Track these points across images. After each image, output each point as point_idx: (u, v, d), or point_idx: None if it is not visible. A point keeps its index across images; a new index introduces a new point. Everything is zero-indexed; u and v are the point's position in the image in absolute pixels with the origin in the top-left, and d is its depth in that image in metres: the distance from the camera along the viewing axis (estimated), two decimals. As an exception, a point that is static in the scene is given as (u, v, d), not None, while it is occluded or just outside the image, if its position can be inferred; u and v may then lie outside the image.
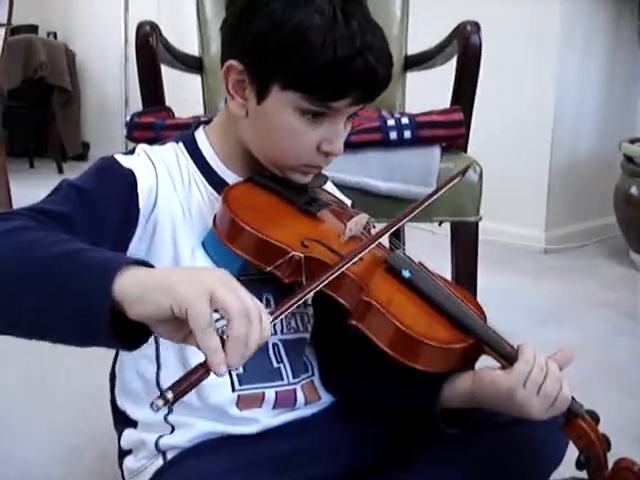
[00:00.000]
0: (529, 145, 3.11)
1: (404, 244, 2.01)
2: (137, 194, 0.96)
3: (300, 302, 0.82)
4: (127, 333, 0.72)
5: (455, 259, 1.62)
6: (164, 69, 2.00)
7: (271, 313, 0.75)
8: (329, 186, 1.17)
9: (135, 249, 0.98)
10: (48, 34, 5.30)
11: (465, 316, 0.96)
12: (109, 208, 0.92)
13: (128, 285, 0.70)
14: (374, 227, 1.07)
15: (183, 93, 2.29)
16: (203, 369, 0.67)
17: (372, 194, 1.48)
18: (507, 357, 0.93)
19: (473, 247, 1.63)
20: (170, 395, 0.65)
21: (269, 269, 0.94)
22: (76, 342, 0.75)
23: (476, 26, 1.62)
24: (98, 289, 0.69)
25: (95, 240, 0.87)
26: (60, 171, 4.92)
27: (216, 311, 0.69)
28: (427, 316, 0.95)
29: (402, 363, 0.91)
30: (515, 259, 3.00)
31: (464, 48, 1.62)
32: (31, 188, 3.85)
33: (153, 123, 1.48)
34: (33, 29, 5.14)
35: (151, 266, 0.74)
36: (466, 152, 1.69)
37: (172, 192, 1.01)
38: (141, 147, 1.04)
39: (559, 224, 3.19)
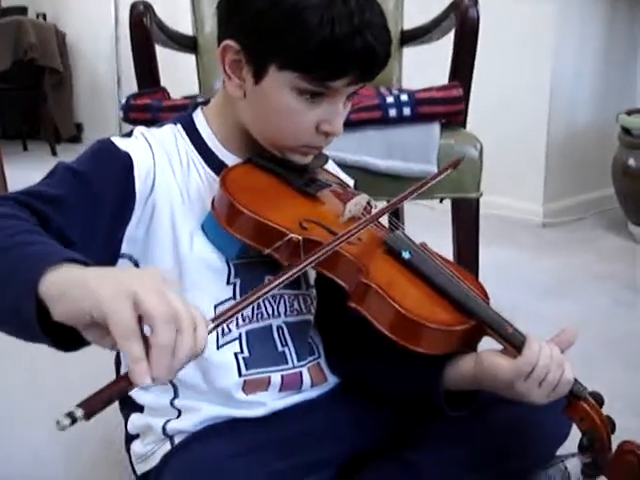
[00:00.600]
0: (526, 117, 3.09)
1: (403, 222, 2.01)
2: (134, 177, 0.95)
3: (263, 295, 0.76)
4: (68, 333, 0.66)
5: (456, 236, 1.61)
6: (158, 49, 1.98)
7: (213, 319, 0.68)
8: (331, 166, 1.16)
9: (133, 233, 0.97)
10: (37, 15, 5.25)
11: (466, 297, 0.95)
12: (105, 190, 0.91)
13: (53, 283, 0.65)
14: (375, 207, 1.06)
15: (178, 73, 2.27)
16: (125, 381, 0.60)
17: (372, 172, 1.46)
18: (509, 340, 0.92)
19: (474, 223, 1.62)
20: (80, 413, 0.56)
21: (267, 252, 0.93)
22: (21, 337, 0.71)
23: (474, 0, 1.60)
24: (26, 285, 0.65)
25: (90, 223, 0.87)
26: (54, 153, 4.90)
27: None
28: (427, 298, 0.94)
29: (403, 346, 0.90)
30: (513, 233, 2.99)
31: (462, 22, 1.60)
32: (25, 171, 3.82)
33: (149, 104, 1.46)
34: (22, 10, 5.10)
35: (87, 264, 0.69)
36: (465, 128, 1.68)
37: (170, 175, 1.00)
38: (138, 130, 1.03)
39: (557, 197, 3.18)
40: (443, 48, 1.83)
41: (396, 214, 1.85)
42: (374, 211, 1.03)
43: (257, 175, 1.02)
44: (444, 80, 1.68)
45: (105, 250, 0.93)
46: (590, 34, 3.20)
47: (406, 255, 0.96)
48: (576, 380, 0.93)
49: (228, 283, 1.00)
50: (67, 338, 0.66)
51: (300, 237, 0.92)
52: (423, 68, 2.05)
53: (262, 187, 1.01)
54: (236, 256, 0.99)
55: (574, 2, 3.09)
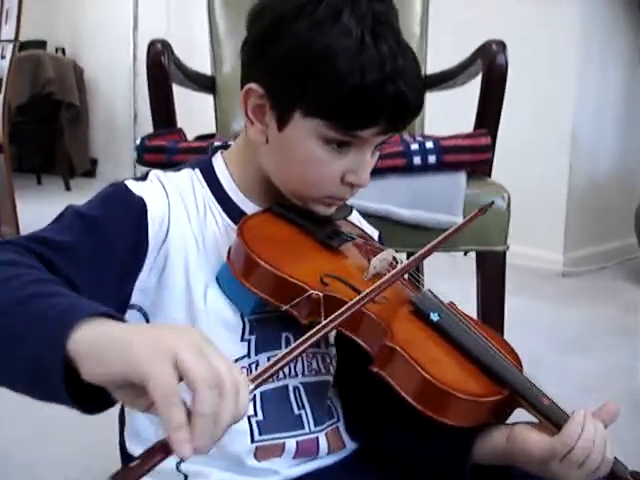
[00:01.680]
0: (547, 165, 3.05)
1: (423, 271, 1.94)
2: (147, 223, 0.90)
3: (294, 357, 0.70)
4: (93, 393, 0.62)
5: (481, 288, 1.54)
6: (175, 88, 1.94)
7: (252, 379, 0.63)
8: (355, 217, 1.11)
9: (145, 282, 0.92)
10: (56, 49, 5.32)
11: (499, 365, 0.88)
12: (115, 238, 0.86)
13: (82, 341, 0.60)
14: (400, 262, 1.00)
15: (195, 113, 2.24)
16: (162, 451, 0.56)
17: (395, 222, 1.40)
18: (545, 414, 0.85)
19: (500, 277, 1.55)
20: None
21: (285, 308, 0.87)
22: (34, 396, 0.66)
23: (502, 45, 1.55)
24: (51, 342, 0.61)
25: (98, 272, 0.83)
26: (67, 188, 4.91)
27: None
28: (457, 364, 0.88)
29: (429, 416, 0.83)
30: (532, 282, 2.92)
31: (489, 68, 1.55)
32: (38, 205, 3.84)
33: (164, 146, 1.42)
34: (41, 44, 5.16)
35: (121, 320, 0.64)
36: (490, 176, 1.62)
37: (185, 223, 0.95)
38: (154, 173, 0.99)
39: (577, 246, 3.13)
40: (467, 94, 1.78)
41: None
42: (400, 266, 0.96)
43: (277, 225, 0.97)
44: (468, 127, 1.64)
45: (113, 301, 0.87)
46: (611, 82, 3.18)
47: (435, 317, 0.90)
48: (616, 459, 0.86)
49: (242, 340, 0.94)
50: (90, 398, 0.62)
51: (321, 294, 0.86)
52: (446, 114, 2.01)
53: (282, 238, 0.96)
54: (251, 311, 0.94)
55: (595, 50, 3.07)
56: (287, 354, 0.68)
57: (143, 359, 0.57)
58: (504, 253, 1.53)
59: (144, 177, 0.98)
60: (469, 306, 1.77)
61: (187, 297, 0.93)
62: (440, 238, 1.04)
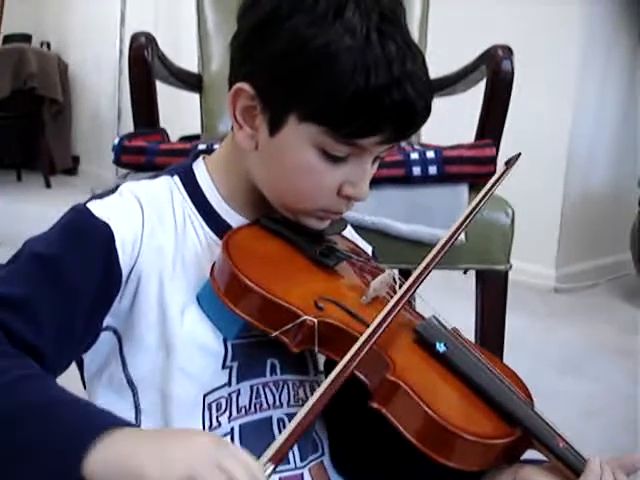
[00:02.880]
0: (542, 178, 2.98)
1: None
2: (116, 251, 0.81)
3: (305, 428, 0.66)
4: None
5: (480, 310, 1.44)
6: (160, 86, 1.84)
7: (271, 460, 0.62)
8: (348, 231, 1.01)
9: (116, 307, 0.83)
10: (42, 44, 5.23)
11: (511, 402, 0.79)
12: (81, 276, 0.77)
13: (98, 463, 0.57)
14: (402, 282, 0.90)
15: (182, 113, 2.14)
16: None
17: (391, 237, 1.30)
18: (559, 456, 0.77)
19: (501, 299, 1.45)
20: None
21: (274, 335, 0.78)
22: None
23: (508, 50, 1.46)
24: (65, 463, 0.58)
25: (65, 319, 0.74)
26: (48, 185, 4.80)
27: None
28: (465, 401, 0.79)
29: (432, 459, 0.74)
30: (524, 298, 2.82)
31: (494, 74, 1.45)
32: (18, 203, 3.73)
33: (144, 147, 1.31)
34: (26, 38, 5.06)
35: (129, 425, 0.63)
36: (491, 189, 1.52)
37: (161, 237, 0.86)
38: (126, 186, 0.88)
39: (570, 261, 3.06)
40: (467, 101, 1.69)
41: (408, 272, 1.68)
42: (402, 289, 0.86)
43: (266, 240, 0.88)
44: (467, 136, 1.54)
45: (83, 339, 0.80)
46: (609, 96, 3.12)
47: (441, 348, 0.81)
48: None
49: (224, 367, 0.85)
50: None
51: (315, 320, 0.76)
52: (444, 122, 1.91)
53: (271, 255, 0.87)
54: (236, 336, 0.84)
55: (594, 64, 3.01)
56: (301, 421, 0.65)
57: None
58: (506, 273, 1.44)
59: (113, 190, 0.88)
60: (465, 326, 1.69)
61: (161, 320, 0.83)
62: (444, 243, 0.91)
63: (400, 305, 0.80)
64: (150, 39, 1.38)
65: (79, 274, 0.77)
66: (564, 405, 1.81)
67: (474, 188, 1.38)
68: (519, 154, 1.02)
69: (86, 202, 0.84)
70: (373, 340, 0.74)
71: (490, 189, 0.97)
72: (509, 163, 1.01)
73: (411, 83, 0.78)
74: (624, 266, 3.04)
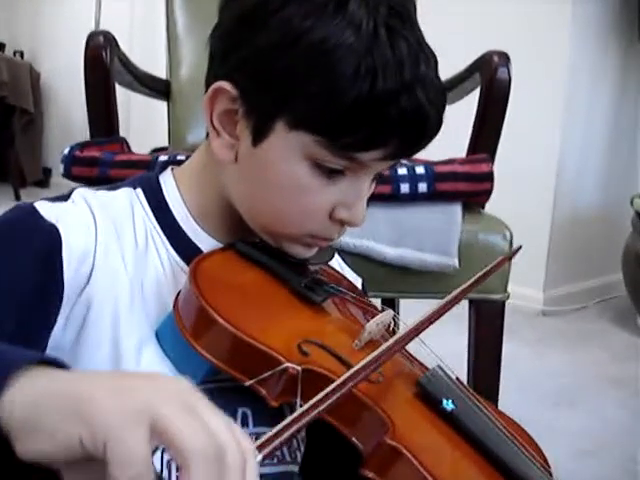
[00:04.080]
0: (530, 197, 2.88)
1: (398, 310, 1.70)
2: (61, 260, 0.68)
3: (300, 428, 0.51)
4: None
5: (473, 343, 1.30)
6: (134, 95, 1.70)
7: (260, 447, 0.46)
8: (336, 260, 0.88)
9: (59, 337, 0.69)
10: (15, 52, 5.09)
11: (529, 471, 0.66)
12: (16, 285, 0.65)
13: (19, 402, 0.43)
14: (400, 322, 0.77)
15: (153, 123, 2.00)
16: None
17: (376, 262, 1.16)
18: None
19: (497, 331, 1.31)
20: None
21: (249, 384, 0.64)
22: None
23: (505, 57, 1.33)
24: None
25: None
26: (17, 198, 4.63)
27: None
28: (475, 469, 0.65)
29: None
30: (510, 322, 2.70)
31: (489, 83, 1.32)
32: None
33: (97, 158, 1.15)
34: None
35: (65, 367, 0.47)
36: (483, 208, 1.39)
37: (118, 259, 0.72)
38: (80, 192, 0.75)
39: (558, 284, 2.95)
40: (459, 111, 1.57)
41: (392, 302, 1.54)
42: (401, 332, 0.72)
43: (242, 269, 0.74)
44: (458, 150, 1.41)
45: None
46: (598, 115, 3.04)
47: (449, 406, 0.67)
48: None
49: (184, 417, 0.70)
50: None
51: (299, 368, 0.62)
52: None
53: (248, 287, 0.73)
54: (201, 380, 0.69)
55: (582, 83, 2.93)
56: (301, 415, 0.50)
57: (107, 421, 0.40)
58: (503, 302, 1.30)
59: (66, 196, 0.74)
60: (454, 352, 1.56)
61: (114, 359, 0.69)
62: (456, 293, 0.80)
63: (398, 347, 0.66)
64: (109, 38, 1.23)
65: (13, 282, 0.65)
66: (557, 442, 1.68)
67: (468, 207, 1.25)
68: (519, 247, 0.96)
69: (32, 203, 0.71)
70: (356, 373, 0.60)
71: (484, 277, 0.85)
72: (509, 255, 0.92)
73: (423, 89, 0.66)
74: (614, 288, 2.95)
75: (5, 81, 4.52)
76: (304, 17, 0.66)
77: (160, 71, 1.79)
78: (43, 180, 5.04)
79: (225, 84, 0.70)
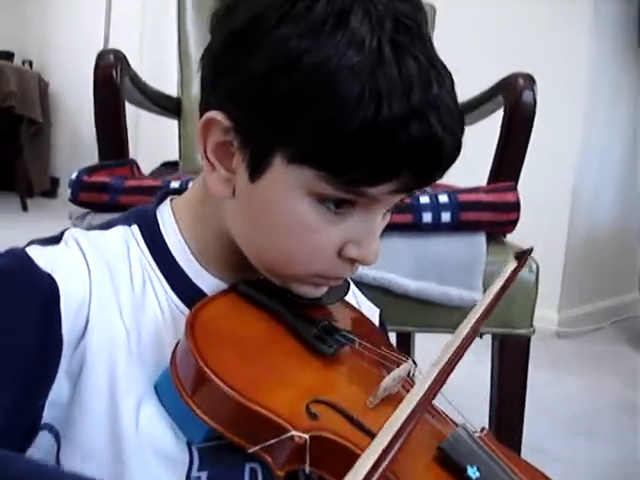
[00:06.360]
0: (546, 217, 2.83)
1: (414, 342, 1.64)
2: (59, 312, 0.63)
3: None
4: None
5: (497, 379, 1.23)
6: (143, 113, 1.66)
7: None
8: (351, 292, 0.82)
9: (55, 391, 0.64)
10: (23, 62, 5.08)
11: None
12: (15, 344, 0.61)
13: None
14: (417, 372, 0.71)
15: (162, 142, 1.97)
16: None
17: (397, 295, 1.10)
18: None
19: (522, 367, 1.24)
20: None
21: (253, 450, 0.58)
22: None
23: (530, 80, 1.28)
24: None
25: None
26: (24, 208, 4.61)
27: None
28: None
29: None
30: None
31: (514, 105, 1.27)
32: (-8, 225, 3.53)
33: (107, 184, 1.10)
34: (8, 56, 4.91)
35: None
36: (505, 237, 1.33)
37: (113, 306, 0.67)
38: (72, 234, 0.70)
39: (573, 304, 2.90)
40: (479, 134, 1.52)
41: (407, 337, 1.49)
42: (421, 386, 0.66)
43: (245, 316, 0.68)
44: (479, 176, 1.36)
45: (17, 429, 0.62)
46: (615, 136, 3.01)
47: (474, 474, 0.61)
48: None
49: (188, 478, 0.65)
50: None
51: (307, 436, 0.57)
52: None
53: (251, 339, 0.66)
54: (203, 439, 0.64)
55: (601, 102, 2.90)
56: None
57: None
58: (528, 339, 1.24)
59: (58, 238, 0.69)
60: (474, 385, 1.51)
61: (111, 416, 0.64)
62: (471, 327, 0.72)
63: (422, 409, 0.61)
64: (119, 57, 1.18)
65: (13, 341, 0.60)
66: (574, 474, 1.63)
67: (492, 237, 1.20)
68: (531, 249, 0.87)
69: (25, 247, 0.66)
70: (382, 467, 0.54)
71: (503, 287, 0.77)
72: (520, 258, 0.84)
73: (436, 113, 0.59)
74: (630, 308, 2.92)
75: (13, 91, 4.50)
76: (301, 36, 0.59)
77: (169, 85, 1.75)
78: (50, 190, 5.03)
79: (217, 114, 0.64)
